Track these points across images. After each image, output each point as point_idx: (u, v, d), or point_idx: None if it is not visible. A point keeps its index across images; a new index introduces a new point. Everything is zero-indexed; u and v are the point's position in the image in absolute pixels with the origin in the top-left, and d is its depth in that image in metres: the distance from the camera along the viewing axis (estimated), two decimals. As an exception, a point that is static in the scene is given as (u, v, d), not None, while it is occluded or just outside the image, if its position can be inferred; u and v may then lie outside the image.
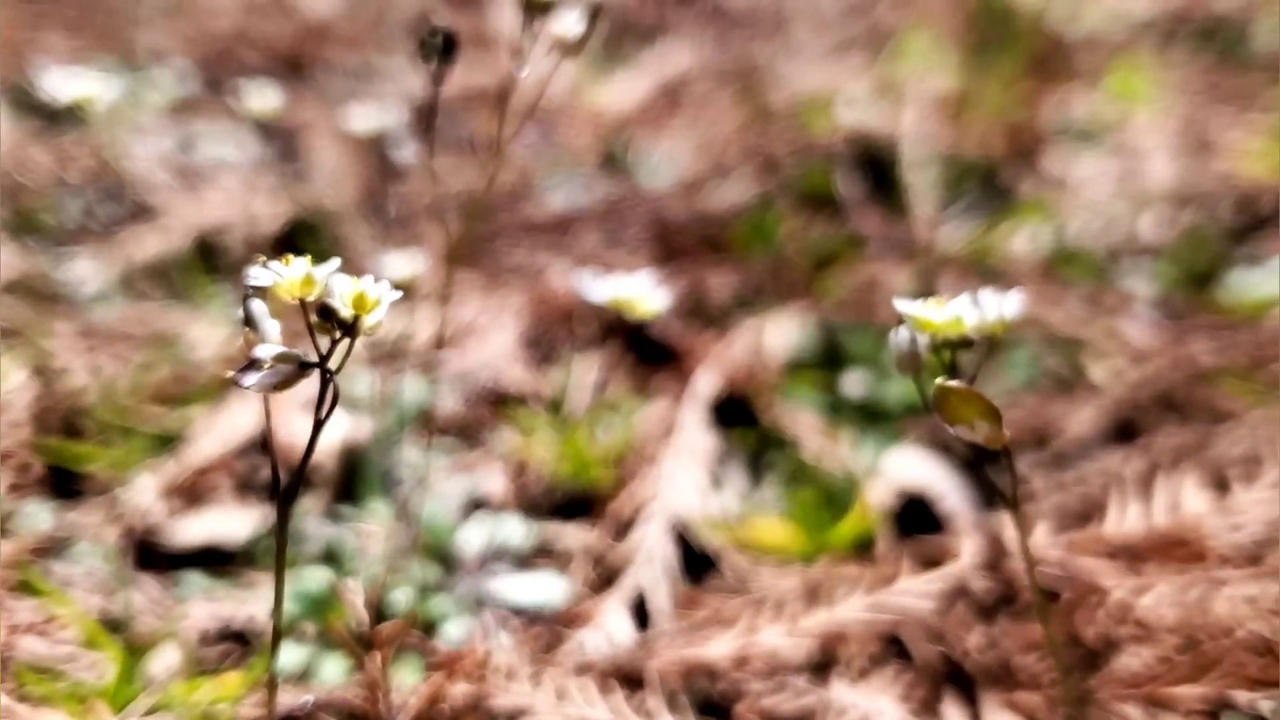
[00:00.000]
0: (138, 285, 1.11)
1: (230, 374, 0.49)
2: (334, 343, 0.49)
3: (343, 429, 0.85)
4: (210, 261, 1.12)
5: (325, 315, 0.49)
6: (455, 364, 0.96)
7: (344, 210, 1.16)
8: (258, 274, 0.49)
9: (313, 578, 0.73)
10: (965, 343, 0.52)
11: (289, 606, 0.70)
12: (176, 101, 1.45)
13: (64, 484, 0.86)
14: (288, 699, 0.65)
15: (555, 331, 1.00)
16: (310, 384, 0.49)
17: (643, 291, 0.73)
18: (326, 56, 1.55)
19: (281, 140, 1.33)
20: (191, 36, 1.64)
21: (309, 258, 0.48)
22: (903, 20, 1.58)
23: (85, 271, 1.12)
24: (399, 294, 0.50)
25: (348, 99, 1.45)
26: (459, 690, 0.65)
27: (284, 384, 0.50)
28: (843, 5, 1.67)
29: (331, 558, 0.76)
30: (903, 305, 0.51)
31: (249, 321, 0.51)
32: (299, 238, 1.14)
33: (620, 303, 0.72)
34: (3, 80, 1.50)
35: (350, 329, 0.49)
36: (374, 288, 0.49)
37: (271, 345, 0.50)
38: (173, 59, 1.57)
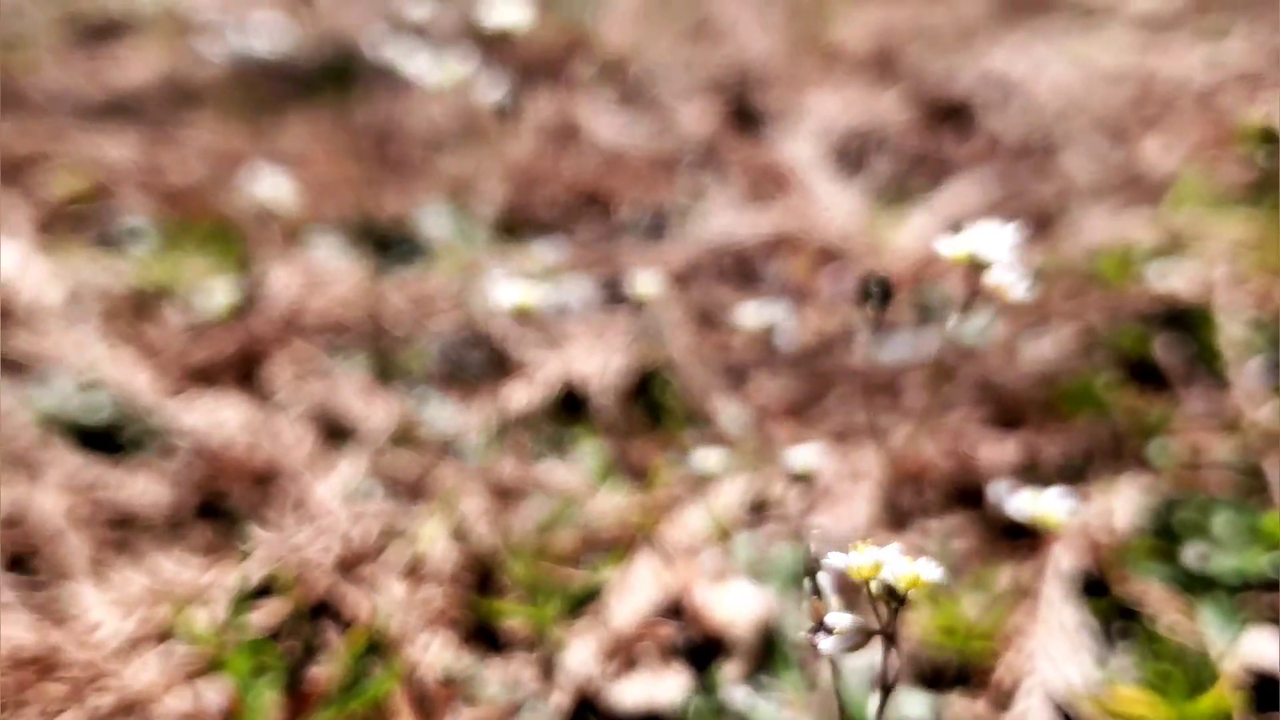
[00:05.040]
0: (513, 435, 1.24)
1: (806, 636, 0.60)
2: (893, 613, 0.60)
3: (754, 598, 0.96)
4: (575, 412, 1.25)
5: (883, 591, 0.61)
6: (818, 528, 1.06)
7: (688, 362, 1.28)
8: (832, 560, 0.60)
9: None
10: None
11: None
12: (500, 240, 1.59)
13: (489, 641, 0.99)
14: None
15: (908, 497, 1.10)
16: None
17: (1057, 507, 0.83)
18: (630, 193, 1.67)
19: (611, 284, 1.46)
20: (493, 168, 1.79)
21: (895, 549, 0.59)
22: (1175, 151, 1.65)
23: (462, 421, 1.25)
24: (941, 572, 0.61)
25: (657, 238, 1.58)
26: None
27: (853, 648, 0.61)
28: (1109, 129, 1.75)
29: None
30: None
31: (817, 592, 0.62)
32: (653, 389, 1.27)
33: (1039, 519, 0.82)
34: (327, 215, 1.65)
35: (903, 601, 0.60)
36: (927, 570, 0.60)
37: (841, 615, 0.61)
38: (481, 192, 1.71)
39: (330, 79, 2.08)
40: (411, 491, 1.14)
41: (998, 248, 0.75)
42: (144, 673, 0.89)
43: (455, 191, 1.68)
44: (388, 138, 1.91)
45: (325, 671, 0.89)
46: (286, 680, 0.89)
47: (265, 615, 0.95)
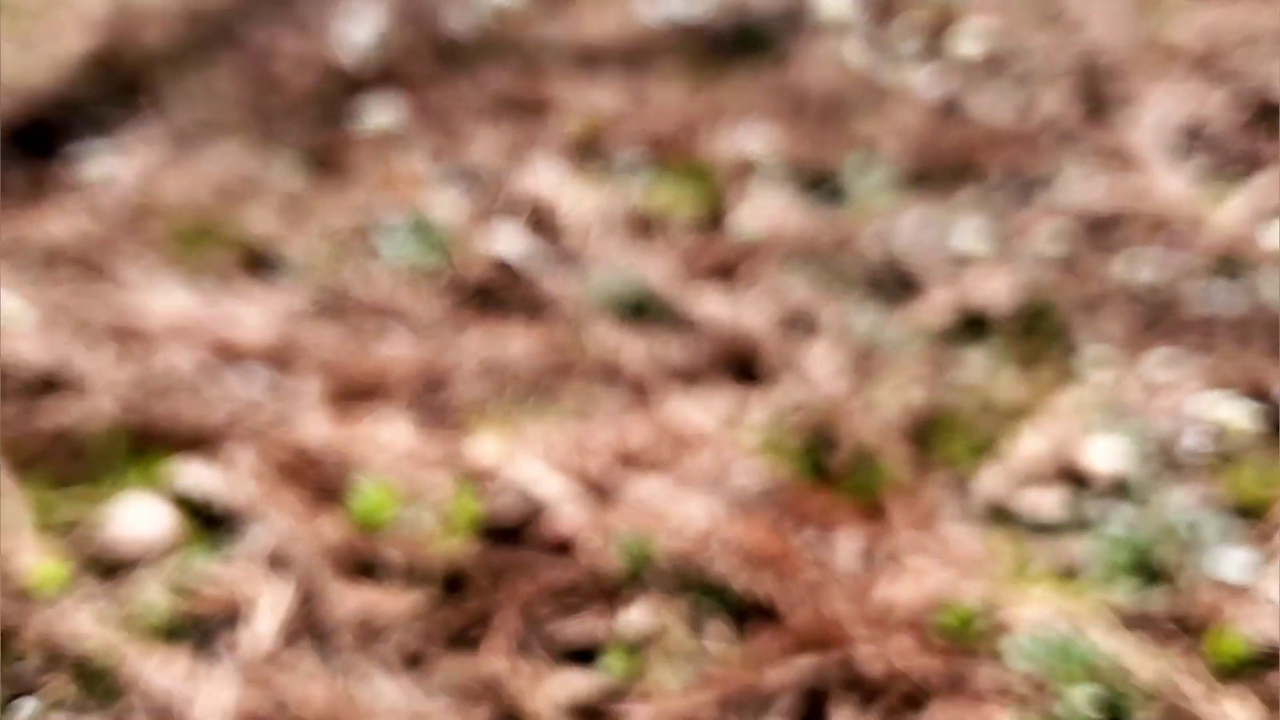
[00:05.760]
0: (925, 339, 1.76)
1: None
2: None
3: (1112, 450, 1.47)
4: (972, 327, 1.77)
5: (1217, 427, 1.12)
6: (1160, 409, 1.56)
7: (1058, 293, 1.78)
8: (1195, 404, 1.11)
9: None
10: None
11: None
12: (903, 191, 2.11)
13: (924, 462, 1.53)
14: None
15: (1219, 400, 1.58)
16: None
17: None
18: (999, 161, 2.16)
19: (993, 229, 1.96)
20: (889, 132, 2.30)
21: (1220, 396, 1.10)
22: None
23: (885, 325, 1.78)
24: (1251, 420, 1.11)
25: (1027, 200, 2.07)
26: None
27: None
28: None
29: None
30: None
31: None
32: (1031, 319, 1.77)
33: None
34: (769, 162, 2.19)
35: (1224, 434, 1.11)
36: (1242, 419, 1.11)
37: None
38: (883, 151, 2.23)
39: (742, 44, 2.62)
40: (869, 369, 1.68)
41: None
42: (723, 452, 1.46)
43: (861, 148, 2.21)
44: (800, 98, 2.44)
45: (838, 462, 1.45)
46: (813, 465, 1.45)
47: (791, 430, 1.51)
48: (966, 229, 1.95)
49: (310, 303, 1.78)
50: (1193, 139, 2.24)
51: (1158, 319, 1.74)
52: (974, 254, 1.89)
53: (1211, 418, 1.18)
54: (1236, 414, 1.16)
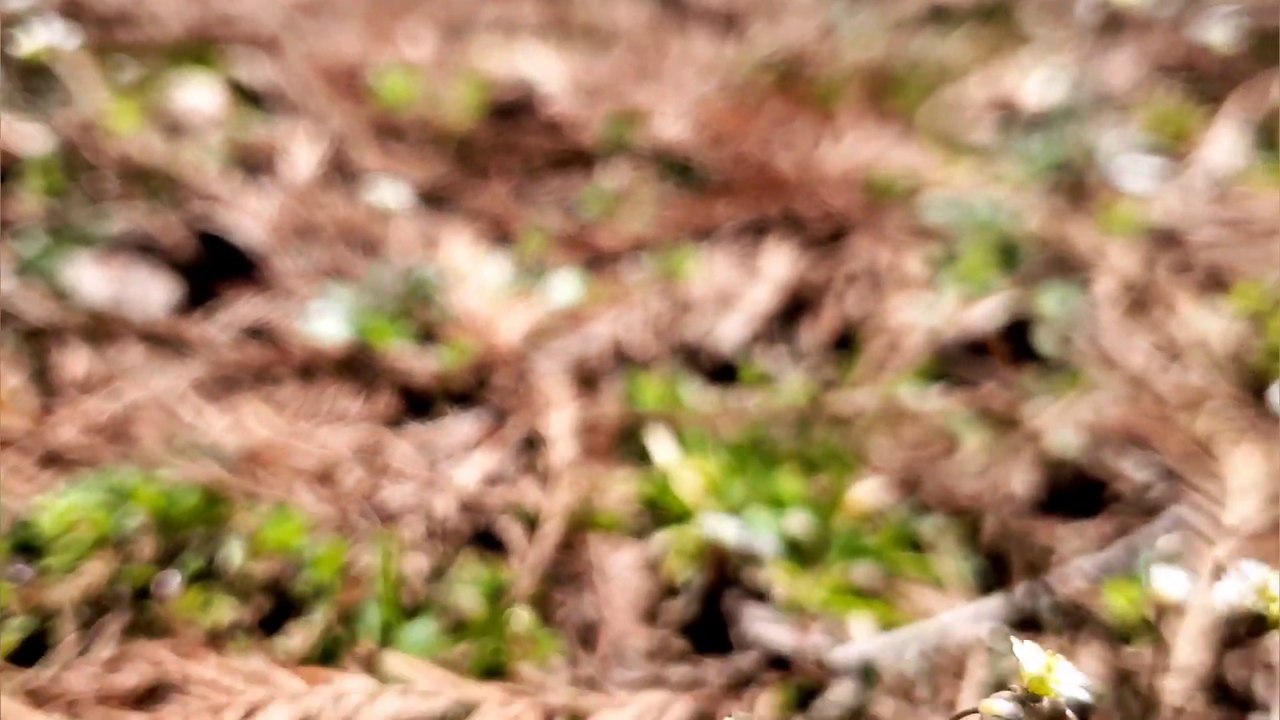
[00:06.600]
0: (898, 25, 1.97)
1: None
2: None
3: (1044, 87, 1.68)
4: (939, 16, 1.97)
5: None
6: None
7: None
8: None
9: None
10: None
11: None
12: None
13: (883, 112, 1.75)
14: None
15: (1153, 65, 1.79)
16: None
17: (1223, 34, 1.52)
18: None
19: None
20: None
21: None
22: None
23: (861, 14, 1.99)
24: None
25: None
26: None
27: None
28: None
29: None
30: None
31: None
32: (990, 10, 1.97)
33: (1213, 42, 1.51)
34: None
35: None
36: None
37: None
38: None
39: None
40: (838, 36, 1.90)
41: None
42: (699, 71, 1.68)
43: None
44: None
45: (800, 86, 1.67)
46: (778, 85, 1.67)
47: (762, 64, 1.74)
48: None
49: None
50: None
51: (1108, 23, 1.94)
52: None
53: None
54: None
